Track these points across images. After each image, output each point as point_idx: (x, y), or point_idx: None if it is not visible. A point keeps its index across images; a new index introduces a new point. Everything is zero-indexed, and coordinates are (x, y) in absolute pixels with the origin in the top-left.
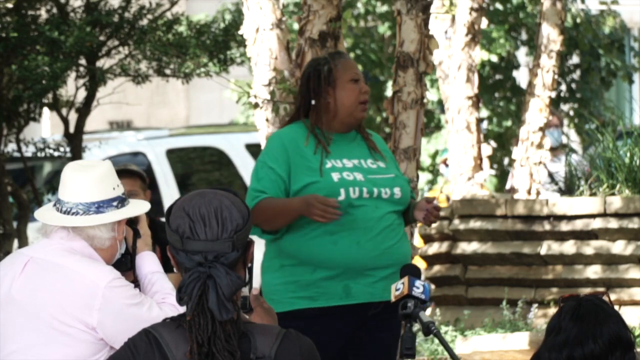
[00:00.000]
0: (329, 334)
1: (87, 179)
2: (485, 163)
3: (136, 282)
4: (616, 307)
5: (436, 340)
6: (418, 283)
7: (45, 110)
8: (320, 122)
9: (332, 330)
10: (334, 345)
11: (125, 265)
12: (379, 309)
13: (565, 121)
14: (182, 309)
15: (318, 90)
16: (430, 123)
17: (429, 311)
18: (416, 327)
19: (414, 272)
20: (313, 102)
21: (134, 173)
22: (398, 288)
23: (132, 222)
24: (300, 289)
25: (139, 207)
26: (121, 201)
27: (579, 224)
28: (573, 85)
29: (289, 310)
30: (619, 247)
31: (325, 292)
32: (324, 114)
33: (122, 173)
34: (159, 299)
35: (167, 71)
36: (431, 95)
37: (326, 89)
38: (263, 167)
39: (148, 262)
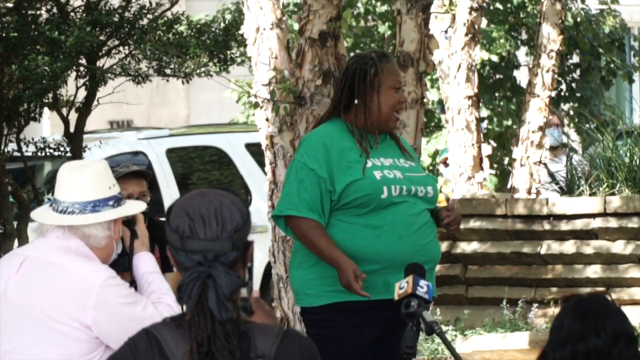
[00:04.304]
0: (368, 327)
1: (83, 179)
2: (485, 163)
3: (133, 283)
4: None
5: (437, 340)
6: (422, 282)
7: (46, 110)
8: (361, 122)
9: (371, 323)
10: (370, 339)
11: (123, 265)
12: None
13: (565, 121)
14: (177, 309)
15: (363, 91)
16: (431, 123)
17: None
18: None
19: (419, 272)
20: (356, 101)
21: (142, 174)
22: (402, 287)
23: (129, 223)
24: (339, 283)
25: (134, 206)
26: (117, 200)
27: (579, 224)
28: (573, 85)
29: (328, 304)
30: (619, 246)
31: (367, 286)
32: (364, 115)
33: (131, 175)
34: (155, 298)
35: (167, 71)
36: (431, 95)
37: (370, 92)
38: (303, 168)
39: (145, 262)
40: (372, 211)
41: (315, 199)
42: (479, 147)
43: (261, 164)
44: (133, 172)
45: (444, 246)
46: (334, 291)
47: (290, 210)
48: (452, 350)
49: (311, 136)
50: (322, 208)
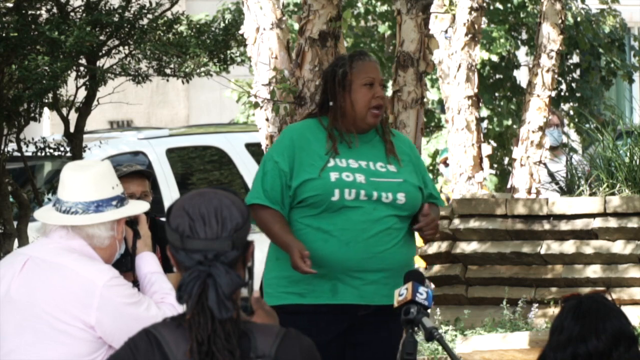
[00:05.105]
0: (316, 331)
1: (86, 179)
2: (485, 162)
3: (136, 283)
4: None
5: None
6: (422, 289)
7: (46, 110)
8: (337, 122)
9: (319, 328)
10: (320, 344)
11: (125, 265)
12: (368, 311)
13: (565, 121)
14: (180, 309)
15: (333, 92)
16: (431, 122)
17: (428, 310)
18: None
19: (418, 278)
20: (331, 103)
21: (144, 174)
22: (401, 293)
23: (132, 223)
24: (291, 284)
25: (138, 206)
26: (120, 200)
27: (578, 224)
28: (573, 85)
29: (279, 305)
30: (619, 246)
31: (314, 289)
32: (340, 116)
33: (133, 175)
34: (157, 298)
35: (167, 71)
36: (431, 95)
37: (340, 93)
38: (270, 160)
39: (148, 262)
40: (324, 213)
41: (275, 191)
42: (479, 147)
43: None
44: (135, 172)
45: (444, 246)
46: (286, 292)
47: (253, 199)
48: (452, 356)
49: (284, 130)
50: (282, 200)
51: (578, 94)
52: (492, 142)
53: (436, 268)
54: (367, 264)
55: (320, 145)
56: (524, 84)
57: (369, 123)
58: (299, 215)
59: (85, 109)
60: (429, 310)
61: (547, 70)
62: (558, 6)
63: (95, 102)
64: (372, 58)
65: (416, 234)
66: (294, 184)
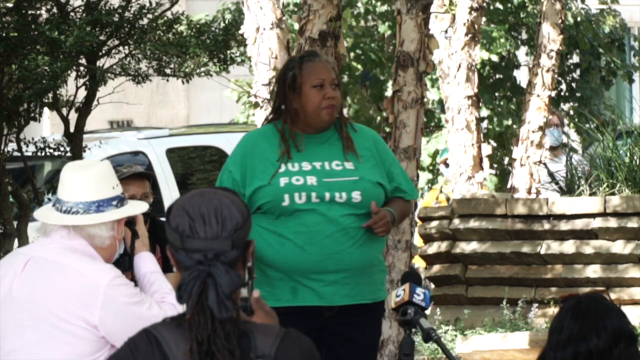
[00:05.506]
0: None
1: (87, 179)
2: (485, 162)
3: (134, 283)
4: None
5: None
6: (419, 290)
7: (46, 109)
8: (290, 125)
9: None
10: None
11: (124, 265)
12: (333, 312)
13: (565, 120)
14: (181, 308)
15: (284, 95)
16: (431, 122)
17: (428, 310)
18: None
19: (415, 279)
20: (283, 107)
21: (145, 175)
22: (399, 294)
23: (130, 223)
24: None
25: (137, 206)
26: (120, 200)
27: (578, 224)
28: (573, 85)
29: None
30: (619, 246)
31: (275, 292)
32: (292, 119)
33: (134, 177)
34: (158, 298)
35: (167, 71)
36: (431, 95)
37: (291, 95)
38: (226, 170)
39: (146, 262)
40: (280, 217)
41: None
42: (479, 147)
43: None
44: (136, 174)
45: (443, 246)
46: None
47: None
48: (450, 357)
49: (241, 139)
50: None
51: (578, 94)
52: (492, 142)
53: (436, 268)
54: (325, 265)
55: (273, 150)
56: (524, 84)
57: (324, 120)
58: (259, 221)
59: (85, 109)
60: (426, 312)
61: (547, 70)
62: (558, 6)
63: (95, 102)
64: (322, 58)
65: (416, 235)
66: (247, 192)
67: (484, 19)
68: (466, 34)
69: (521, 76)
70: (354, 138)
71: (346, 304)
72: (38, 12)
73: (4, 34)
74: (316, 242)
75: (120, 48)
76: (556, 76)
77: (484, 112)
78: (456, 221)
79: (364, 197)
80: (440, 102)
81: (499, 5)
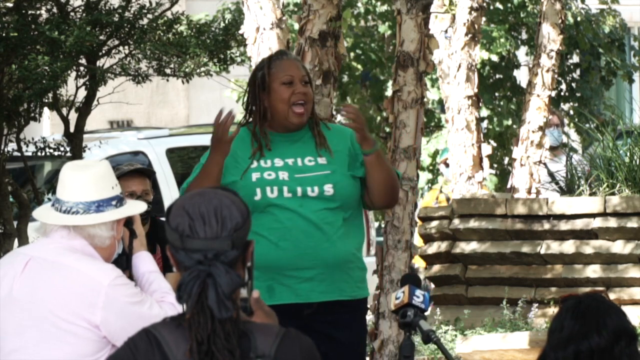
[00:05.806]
0: None
1: (87, 178)
2: (485, 162)
3: (133, 282)
4: None
5: None
6: (418, 292)
7: (46, 109)
8: (262, 125)
9: None
10: None
11: (122, 265)
12: (311, 310)
13: (565, 120)
14: (181, 308)
15: (253, 96)
16: (431, 122)
17: (428, 311)
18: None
19: (414, 282)
20: (253, 107)
21: (145, 173)
22: (398, 297)
23: (128, 223)
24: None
25: (137, 206)
26: (119, 200)
27: (578, 224)
28: (573, 85)
29: None
30: (619, 246)
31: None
32: (263, 119)
33: (134, 173)
34: (157, 297)
35: (167, 71)
36: (431, 95)
37: (261, 95)
38: (199, 165)
39: (144, 261)
40: (252, 214)
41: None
42: (479, 147)
43: None
44: (136, 170)
45: (443, 246)
46: None
47: (184, 187)
48: (449, 358)
49: None
50: None
51: (578, 94)
52: (492, 142)
53: (436, 268)
54: (300, 262)
55: (246, 149)
56: (524, 84)
57: (293, 122)
58: None
59: (85, 109)
60: (426, 313)
61: (547, 70)
62: (558, 6)
63: (95, 102)
64: (291, 56)
65: (416, 234)
66: None
67: (484, 18)
68: (466, 34)
69: (521, 76)
70: (327, 135)
71: (323, 300)
72: (38, 12)
73: (4, 34)
74: (290, 237)
75: (120, 48)
76: (556, 76)
77: (484, 112)
78: (456, 221)
79: (337, 189)
80: (440, 102)
81: (499, 5)
